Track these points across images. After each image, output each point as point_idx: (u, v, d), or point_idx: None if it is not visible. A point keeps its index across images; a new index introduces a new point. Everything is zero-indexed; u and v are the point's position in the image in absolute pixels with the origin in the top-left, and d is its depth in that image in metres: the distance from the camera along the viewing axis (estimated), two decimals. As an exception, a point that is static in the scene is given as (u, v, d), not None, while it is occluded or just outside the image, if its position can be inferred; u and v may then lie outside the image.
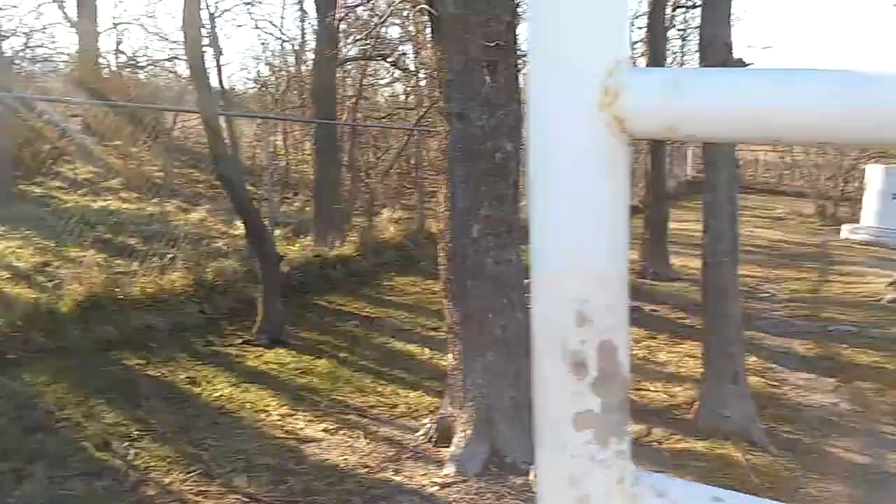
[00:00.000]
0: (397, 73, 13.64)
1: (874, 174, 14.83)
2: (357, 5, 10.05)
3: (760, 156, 34.88)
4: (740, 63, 4.11)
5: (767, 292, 8.77)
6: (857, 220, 15.61)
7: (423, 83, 12.82)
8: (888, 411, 4.93)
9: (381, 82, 14.60)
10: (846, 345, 6.43)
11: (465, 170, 3.41)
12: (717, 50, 4.03)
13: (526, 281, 3.44)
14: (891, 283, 8.23)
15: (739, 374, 4.26)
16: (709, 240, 4.28)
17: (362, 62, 11.58)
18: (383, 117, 13.74)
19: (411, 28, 11.72)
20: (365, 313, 6.98)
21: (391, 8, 9.11)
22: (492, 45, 3.11)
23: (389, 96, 15.95)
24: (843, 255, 12.23)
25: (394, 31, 13.21)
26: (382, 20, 10.23)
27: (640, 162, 10.42)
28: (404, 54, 12.77)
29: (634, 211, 18.01)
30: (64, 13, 13.81)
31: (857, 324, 7.14)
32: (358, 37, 10.88)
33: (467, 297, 3.62)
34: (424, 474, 3.79)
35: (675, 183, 22.78)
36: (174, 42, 13.74)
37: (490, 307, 3.60)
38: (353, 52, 11.50)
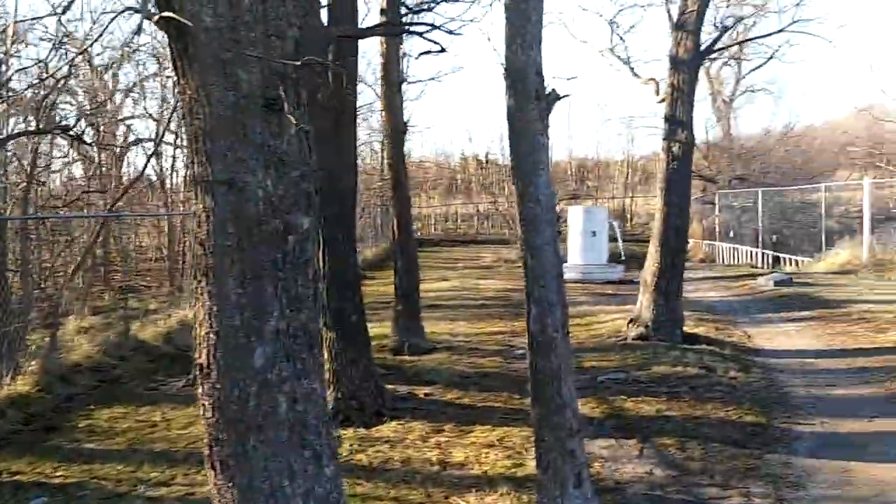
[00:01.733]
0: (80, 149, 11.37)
1: (574, 214, 16.15)
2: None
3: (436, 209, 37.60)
4: (554, 95, 3.53)
5: (521, 348, 8.58)
6: (564, 259, 16.88)
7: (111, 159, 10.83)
8: (700, 469, 4.67)
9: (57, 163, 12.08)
10: (623, 395, 6.28)
11: (239, 264, 2.22)
12: (528, 80, 3.38)
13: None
14: (631, 321, 8.55)
15: (583, 475, 3.56)
16: (536, 313, 3.56)
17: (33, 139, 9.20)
18: (64, 206, 11.19)
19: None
20: (56, 479, 4.69)
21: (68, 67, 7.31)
22: (279, 71, 2.03)
23: (69, 179, 13.37)
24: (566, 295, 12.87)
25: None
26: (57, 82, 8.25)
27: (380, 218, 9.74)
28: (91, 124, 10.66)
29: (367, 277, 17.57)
30: None
31: (620, 368, 7.13)
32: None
33: (248, 462, 2.36)
34: None
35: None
36: None
37: (285, 470, 2.39)
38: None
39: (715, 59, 38.88)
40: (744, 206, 25.73)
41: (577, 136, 69.04)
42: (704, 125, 32.81)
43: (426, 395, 6.52)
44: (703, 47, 8.14)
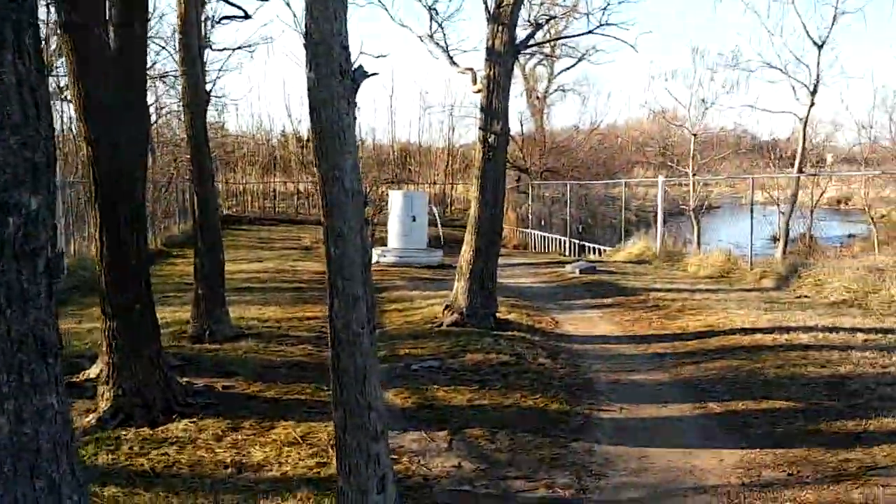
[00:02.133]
0: None
1: (395, 199, 15.97)
2: None
3: (254, 186, 36.19)
4: (361, 72, 3.16)
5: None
6: (384, 243, 16.66)
7: None
8: (508, 460, 4.60)
9: None
10: (436, 384, 6.14)
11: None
12: (332, 52, 2.99)
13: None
14: (447, 307, 8.48)
15: (387, 479, 3.28)
16: (340, 308, 3.21)
17: None
18: None
19: None
20: None
21: None
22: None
23: None
24: (384, 280, 12.66)
25: None
26: None
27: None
28: None
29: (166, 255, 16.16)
30: None
31: (435, 356, 6.99)
32: None
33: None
34: None
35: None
36: None
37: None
38: None
39: (531, 55, 40.59)
40: (554, 197, 27.22)
41: (401, 122, 69.54)
42: (519, 119, 34.25)
43: (225, 387, 5.94)
44: (517, 42, 8.20)
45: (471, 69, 8.40)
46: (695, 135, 18.30)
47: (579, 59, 40.49)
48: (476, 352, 7.02)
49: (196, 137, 7.51)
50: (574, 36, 9.62)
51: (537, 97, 38.82)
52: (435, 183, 37.79)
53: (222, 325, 7.56)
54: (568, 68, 40.38)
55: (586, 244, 20.43)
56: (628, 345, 8.02)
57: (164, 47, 18.19)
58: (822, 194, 23.03)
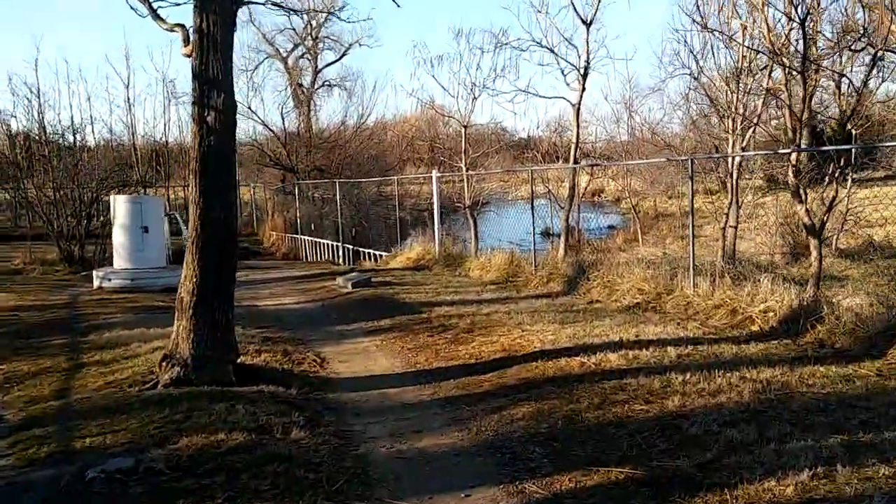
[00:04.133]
0: None
1: (119, 205, 12.83)
2: None
3: None
4: None
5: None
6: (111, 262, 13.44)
7: None
8: None
9: None
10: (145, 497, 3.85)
11: None
12: None
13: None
14: (165, 358, 6.06)
15: None
16: None
17: None
18: None
19: None
20: None
21: None
22: None
23: None
24: (99, 314, 9.73)
25: None
26: None
27: None
28: None
29: None
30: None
31: (133, 445, 4.63)
32: None
33: None
34: None
35: None
36: None
37: None
38: None
39: (294, 47, 38.12)
40: (325, 198, 25.10)
41: (149, 117, 62.39)
42: (280, 111, 31.72)
43: None
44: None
45: (181, 25, 6.11)
46: (465, 126, 17.32)
47: (343, 54, 38.96)
48: (199, 431, 4.77)
49: None
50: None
51: (302, 92, 36.49)
52: (187, 185, 33.83)
53: None
54: (330, 63, 38.61)
55: (361, 249, 18.66)
56: (413, 386, 6.27)
57: None
58: (586, 187, 23.71)
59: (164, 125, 42.81)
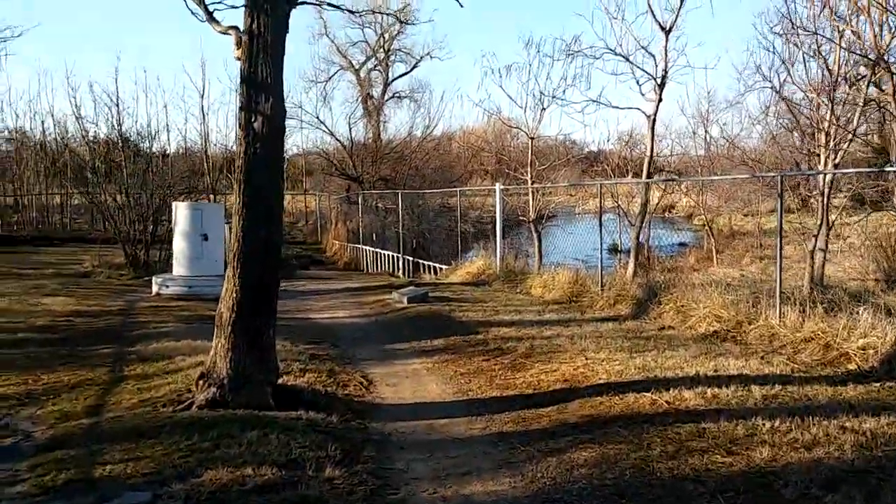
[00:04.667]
0: None
1: (180, 212, 12.80)
2: None
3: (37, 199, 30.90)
4: None
5: (14, 430, 5.23)
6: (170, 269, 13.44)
7: None
8: None
9: None
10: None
11: None
12: None
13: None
14: (202, 377, 5.72)
15: None
16: None
17: None
18: None
19: None
20: None
21: None
22: None
23: None
24: (151, 322, 9.59)
25: None
26: None
27: None
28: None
29: None
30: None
31: (155, 475, 4.26)
32: None
33: None
34: None
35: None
36: None
37: None
38: None
39: (366, 60, 38.40)
40: (388, 209, 24.89)
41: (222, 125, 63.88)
42: (348, 121, 31.82)
43: None
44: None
45: (235, 28, 5.80)
46: (532, 138, 16.72)
47: (414, 66, 38.98)
48: (226, 463, 4.37)
49: None
50: None
51: (372, 103, 36.63)
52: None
53: None
54: (402, 74, 38.69)
55: (421, 262, 18.27)
56: (464, 418, 5.74)
57: None
58: (658, 202, 22.64)
59: (236, 133, 43.65)
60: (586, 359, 7.10)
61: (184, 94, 53.96)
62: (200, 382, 5.70)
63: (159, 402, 5.77)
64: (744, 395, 5.66)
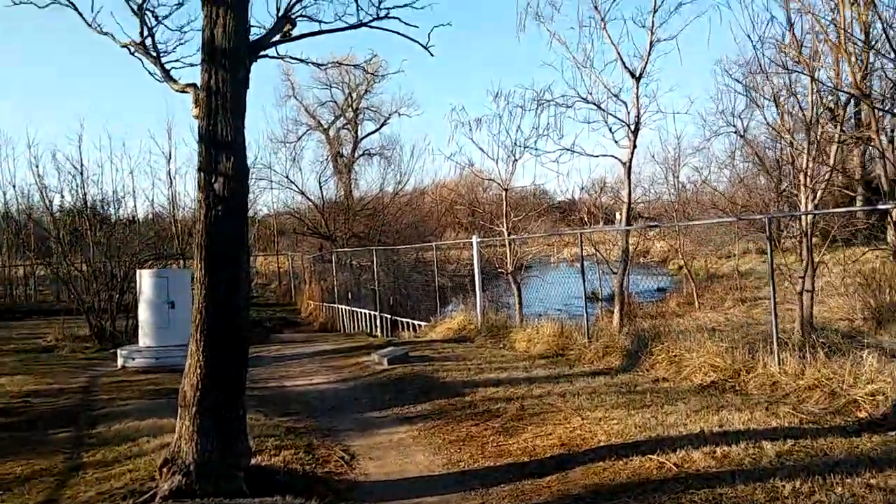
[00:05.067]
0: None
1: (144, 280, 12.25)
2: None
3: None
4: None
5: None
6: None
7: None
8: None
9: None
10: None
11: None
12: None
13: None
14: (165, 463, 5.17)
15: None
16: None
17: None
18: None
19: None
20: None
21: None
22: None
23: None
24: (115, 399, 8.96)
25: None
26: None
27: None
28: None
29: None
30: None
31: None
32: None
33: None
34: None
35: None
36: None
37: None
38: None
39: (335, 119, 38.46)
40: (364, 266, 24.43)
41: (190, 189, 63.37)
42: (319, 181, 31.57)
43: None
44: (255, 38, 5.45)
45: (193, 85, 5.47)
46: (506, 189, 16.54)
47: (382, 123, 39.15)
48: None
49: None
50: (342, 29, 5.92)
51: (342, 161, 36.55)
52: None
53: None
54: (370, 133, 38.82)
55: (399, 319, 17.77)
56: (457, 493, 5.25)
57: None
58: (635, 248, 22.54)
59: (195, 196, 43.23)
60: (582, 418, 6.67)
61: (150, 160, 53.66)
62: (164, 470, 5.15)
63: (119, 494, 5.19)
64: (756, 452, 5.27)
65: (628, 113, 12.01)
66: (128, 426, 7.34)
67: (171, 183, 35.17)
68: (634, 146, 11.91)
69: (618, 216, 23.74)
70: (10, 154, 52.83)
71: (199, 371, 5.16)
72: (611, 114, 12.10)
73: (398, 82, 73.94)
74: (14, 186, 39.79)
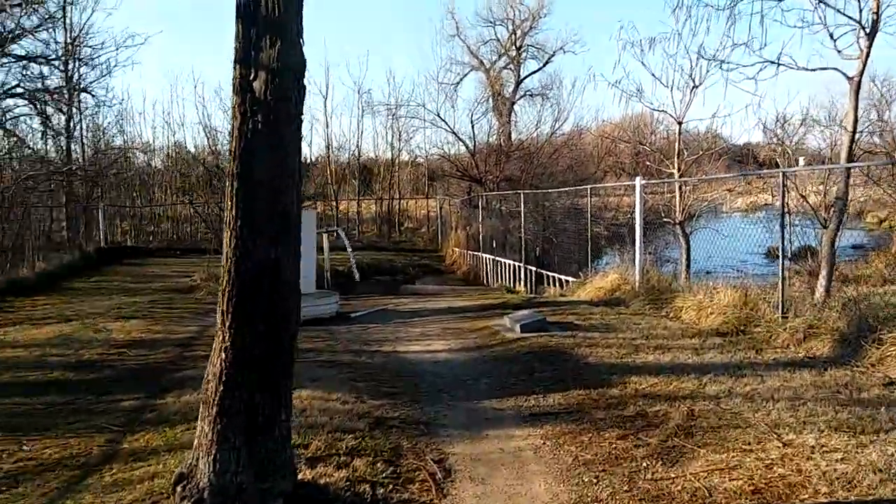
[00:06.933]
0: None
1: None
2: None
3: (163, 210, 31.34)
4: None
5: None
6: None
7: None
8: None
9: None
10: None
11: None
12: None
13: None
14: (178, 482, 3.80)
15: None
16: None
17: None
18: None
19: None
20: None
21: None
22: None
23: None
24: (197, 359, 7.97)
25: None
26: None
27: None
28: None
29: None
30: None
31: None
32: None
33: None
34: None
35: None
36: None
37: None
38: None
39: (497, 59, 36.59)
40: (512, 212, 22.59)
41: (336, 130, 63.76)
42: (471, 120, 29.88)
43: None
44: None
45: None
46: (680, 122, 13.87)
47: (546, 62, 36.50)
48: None
49: None
50: None
51: (503, 102, 34.64)
52: (381, 199, 33.26)
53: None
54: (534, 71, 36.43)
55: (545, 273, 15.88)
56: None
57: None
58: (825, 196, 18.83)
59: (359, 137, 43.34)
60: (782, 443, 4.55)
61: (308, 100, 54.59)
62: (178, 489, 3.77)
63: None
64: None
65: (860, 9, 8.97)
66: (198, 398, 6.19)
67: (328, 123, 35.29)
68: (868, 54, 8.91)
69: (801, 161, 19.86)
70: (180, 94, 55.94)
71: (223, 355, 3.69)
72: (837, 10, 9.08)
73: (565, 17, 69.80)
74: (183, 126, 41.98)
